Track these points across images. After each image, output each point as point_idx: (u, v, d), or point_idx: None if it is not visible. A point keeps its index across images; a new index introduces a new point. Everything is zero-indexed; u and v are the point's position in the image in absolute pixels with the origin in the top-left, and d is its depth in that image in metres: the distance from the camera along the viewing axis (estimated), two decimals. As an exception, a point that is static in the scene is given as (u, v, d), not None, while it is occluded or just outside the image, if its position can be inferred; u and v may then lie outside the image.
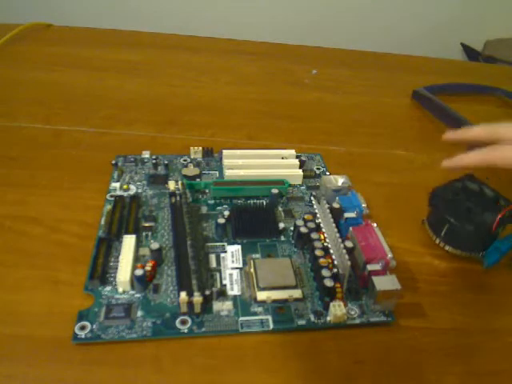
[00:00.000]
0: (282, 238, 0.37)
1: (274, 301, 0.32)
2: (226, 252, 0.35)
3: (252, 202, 0.41)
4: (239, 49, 0.74)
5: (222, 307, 0.31)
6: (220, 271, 0.34)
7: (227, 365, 0.28)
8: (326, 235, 0.35)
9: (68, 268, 0.33)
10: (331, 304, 0.31)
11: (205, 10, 1.30)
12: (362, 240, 0.34)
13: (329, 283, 0.31)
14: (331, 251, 0.33)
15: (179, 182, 0.39)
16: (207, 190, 0.41)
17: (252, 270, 0.33)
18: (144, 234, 0.36)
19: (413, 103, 0.63)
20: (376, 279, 0.31)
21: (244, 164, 0.43)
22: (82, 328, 0.29)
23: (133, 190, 0.40)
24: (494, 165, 0.32)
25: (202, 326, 0.30)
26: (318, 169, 0.46)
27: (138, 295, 0.31)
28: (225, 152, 0.44)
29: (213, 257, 0.35)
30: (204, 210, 0.39)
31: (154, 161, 0.43)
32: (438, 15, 1.34)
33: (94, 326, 0.29)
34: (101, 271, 0.32)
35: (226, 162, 0.43)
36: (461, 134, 0.36)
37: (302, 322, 0.31)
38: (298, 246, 0.36)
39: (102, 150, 0.46)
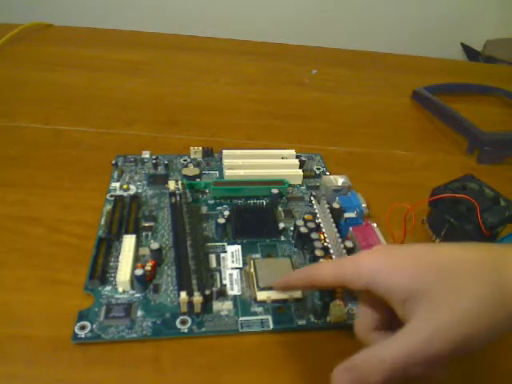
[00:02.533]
0: (282, 238, 0.37)
1: (274, 301, 0.32)
2: (226, 252, 0.35)
3: (252, 202, 0.41)
4: (239, 49, 0.74)
5: (222, 307, 0.31)
6: (220, 271, 0.34)
7: (227, 365, 0.28)
8: (325, 235, 0.35)
9: (68, 268, 0.33)
10: (331, 304, 0.31)
11: (205, 10, 1.30)
12: (361, 240, 0.34)
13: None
14: (331, 251, 0.33)
15: (179, 182, 0.39)
16: (207, 190, 0.41)
17: (252, 269, 0.33)
18: (144, 234, 0.36)
19: (413, 103, 0.63)
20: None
21: (244, 164, 0.43)
22: (82, 328, 0.29)
23: (133, 189, 0.40)
24: (313, 285, 0.27)
25: (201, 326, 0.30)
26: (318, 169, 0.46)
27: (138, 295, 0.31)
28: (225, 152, 0.44)
29: (213, 257, 0.35)
30: (204, 209, 0.39)
31: (154, 161, 0.43)
32: (438, 15, 1.34)
33: (94, 326, 0.29)
34: (101, 271, 0.32)
35: (225, 162, 0.43)
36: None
37: (302, 322, 0.31)
38: (298, 245, 0.36)
39: (101, 150, 0.46)
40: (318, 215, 0.37)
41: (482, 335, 0.21)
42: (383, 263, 0.22)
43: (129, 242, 0.34)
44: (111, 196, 0.39)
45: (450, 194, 0.37)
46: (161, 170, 0.43)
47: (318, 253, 0.33)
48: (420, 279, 0.21)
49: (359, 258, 0.24)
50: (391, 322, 0.24)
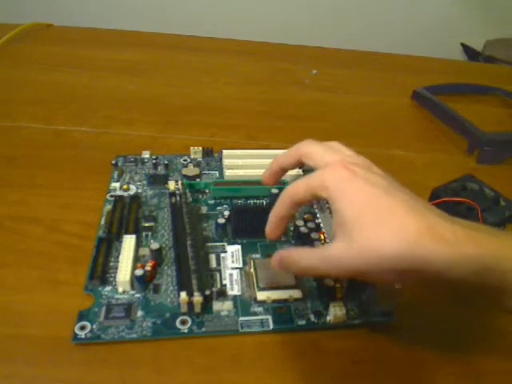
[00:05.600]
0: (282, 238, 0.37)
1: (274, 301, 0.32)
2: (226, 252, 0.35)
3: (252, 201, 0.41)
4: (239, 49, 0.74)
5: (222, 307, 0.31)
6: (220, 271, 0.34)
7: (227, 365, 0.28)
8: (325, 235, 0.35)
9: (68, 268, 0.33)
10: (331, 304, 0.31)
11: (205, 9, 1.30)
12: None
13: (329, 283, 0.31)
14: (331, 251, 0.33)
15: (179, 182, 0.39)
16: (207, 190, 0.41)
17: (252, 269, 0.33)
18: (144, 233, 0.36)
19: (413, 103, 0.63)
20: (376, 279, 0.31)
21: (244, 164, 0.43)
22: (82, 328, 0.29)
23: (133, 190, 0.40)
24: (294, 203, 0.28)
25: (202, 326, 0.30)
26: (318, 169, 0.46)
27: (137, 295, 0.31)
28: (225, 152, 0.44)
29: (213, 257, 0.35)
30: (204, 209, 0.39)
31: (154, 161, 0.43)
32: (437, 15, 1.34)
33: (94, 326, 0.29)
34: (101, 271, 0.32)
35: (226, 161, 0.43)
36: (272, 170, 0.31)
37: (302, 322, 0.31)
38: (298, 245, 0.36)
39: (101, 150, 0.46)
40: (318, 215, 0.37)
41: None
42: (344, 187, 0.25)
43: (129, 242, 0.34)
44: (111, 196, 0.39)
45: (450, 198, 0.37)
46: (161, 169, 0.43)
47: (318, 253, 0.33)
48: (362, 217, 0.23)
49: (324, 174, 0.26)
50: None
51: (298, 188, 0.27)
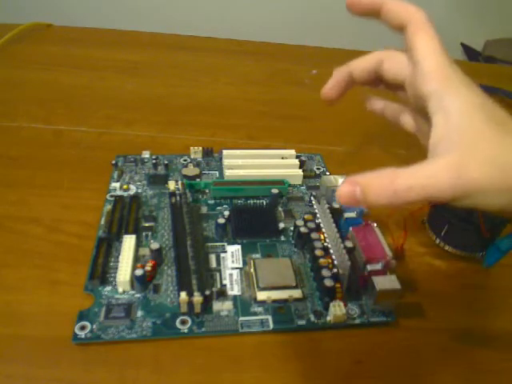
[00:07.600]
0: (282, 238, 0.37)
1: (274, 301, 0.32)
2: (226, 252, 0.35)
3: (252, 201, 0.41)
4: (239, 49, 0.74)
5: (222, 307, 0.31)
6: (220, 271, 0.34)
7: (227, 365, 0.28)
8: (325, 235, 0.35)
9: (68, 268, 0.33)
10: (331, 304, 0.31)
11: (205, 9, 1.30)
12: (361, 240, 0.34)
13: (329, 283, 0.31)
14: (331, 251, 0.33)
15: (179, 182, 0.39)
16: (207, 190, 0.41)
17: (252, 270, 0.33)
18: (144, 233, 0.36)
19: (413, 103, 0.63)
20: (376, 279, 0.31)
21: (244, 164, 0.43)
22: (82, 328, 0.29)
23: (133, 189, 0.40)
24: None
25: (202, 326, 0.30)
26: (318, 169, 0.46)
27: (138, 295, 0.31)
28: (225, 152, 0.44)
29: (213, 257, 0.35)
30: (204, 209, 0.39)
31: (154, 161, 0.43)
32: (437, 15, 1.34)
33: (94, 326, 0.29)
34: (101, 271, 0.32)
35: (225, 161, 0.43)
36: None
37: (302, 322, 0.31)
38: (298, 245, 0.36)
39: (101, 149, 0.46)
40: (318, 215, 0.37)
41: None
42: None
43: (129, 242, 0.34)
44: (111, 196, 0.39)
45: None
46: (161, 169, 0.43)
47: (318, 253, 0.33)
48: None
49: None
50: None
51: None
